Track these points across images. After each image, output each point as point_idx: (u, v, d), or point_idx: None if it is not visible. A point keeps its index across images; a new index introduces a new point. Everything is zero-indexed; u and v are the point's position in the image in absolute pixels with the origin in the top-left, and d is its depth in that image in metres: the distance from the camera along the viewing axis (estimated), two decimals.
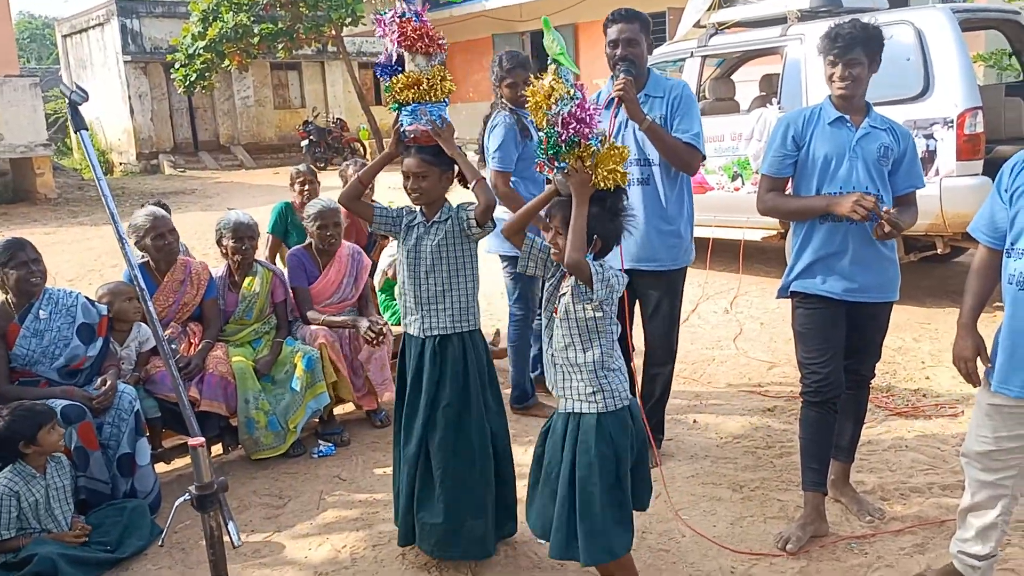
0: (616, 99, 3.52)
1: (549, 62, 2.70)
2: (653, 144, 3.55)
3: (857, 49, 3.03)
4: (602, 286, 2.58)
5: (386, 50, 3.09)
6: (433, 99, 3.02)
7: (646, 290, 3.74)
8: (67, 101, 2.53)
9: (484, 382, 3.13)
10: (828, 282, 3.13)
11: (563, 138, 2.58)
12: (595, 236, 2.60)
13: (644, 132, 3.53)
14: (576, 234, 2.54)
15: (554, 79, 2.63)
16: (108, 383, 3.52)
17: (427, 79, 3.00)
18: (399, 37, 2.98)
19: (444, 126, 3.02)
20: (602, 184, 2.59)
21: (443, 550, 3.05)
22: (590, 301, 2.60)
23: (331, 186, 6.01)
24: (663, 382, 3.86)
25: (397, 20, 2.99)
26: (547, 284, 2.80)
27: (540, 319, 2.94)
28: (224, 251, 4.34)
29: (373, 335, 4.21)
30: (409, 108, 3.01)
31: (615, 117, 3.61)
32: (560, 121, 2.58)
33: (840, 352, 3.19)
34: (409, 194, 3.08)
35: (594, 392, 2.62)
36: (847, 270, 3.11)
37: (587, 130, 2.59)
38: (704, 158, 3.65)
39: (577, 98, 2.60)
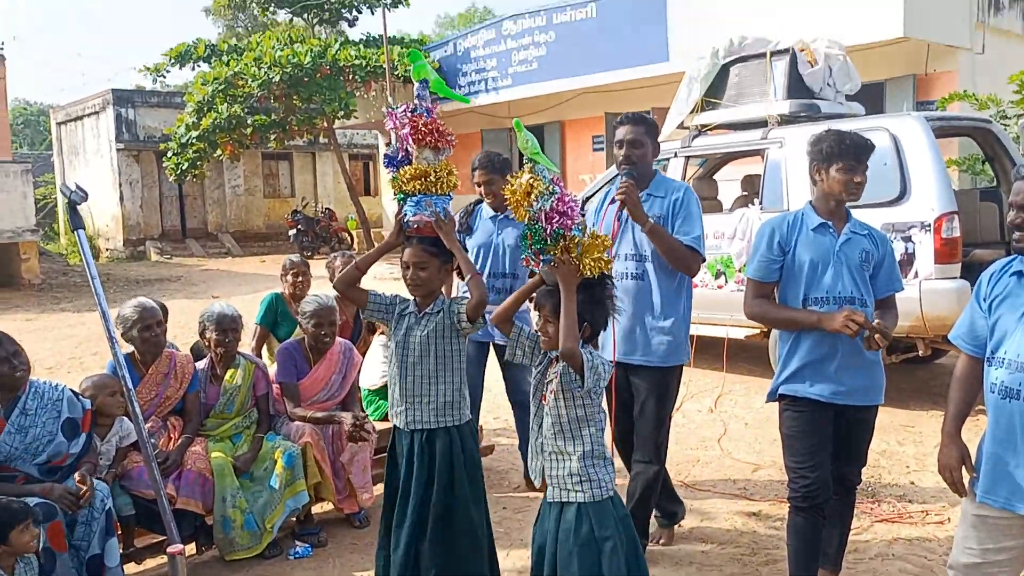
0: (619, 202, 3.60)
1: (526, 161, 2.80)
2: (655, 245, 3.60)
3: (865, 159, 3.14)
4: (591, 374, 2.63)
5: (394, 142, 3.18)
6: (439, 192, 3.09)
7: (636, 384, 3.74)
8: (67, 201, 2.56)
9: (472, 478, 3.11)
10: (817, 386, 3.14)
11: (548, 232, 2.67)
12: (584, 323, 2.66)
13: (646, 234, 3.59)
14: (569, 322, 2.62)
15: (532, 176, 2.71)
16: (87, 483, 3.42)
17: (434, 172, 3.08)
18: (411, 131, 3.06)
19: (447, 219, 3.08)
20: (588, 272, 2.68)
21: None
22: (580, 389, 2.63)
23: (318, 275, 6.01)
24: (645, 481, 3.75)
25: (409, 115, 3.08)
26: (535, 372, 2.82)
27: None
28: (207, 343, 4.31)
29: (357, 431, 4.15)
30: (414, 199, 3.07)
31: (617, 219, 3.70)
32: (543, 216, 2.67)
33: (828, 456, 3.18)
34: (407, 284, 3.12)
35: (581, 481, 2.64)
36: (835, 374, 3.13)
37: (570, 222, 2.70)
38: (704, 260, 3.70)
39: (556, 193, 2.70)
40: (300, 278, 5.36)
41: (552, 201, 2.68)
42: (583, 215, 2.83)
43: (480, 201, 4.83)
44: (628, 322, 3.66)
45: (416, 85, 3.18)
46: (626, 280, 3.68)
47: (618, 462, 3.73)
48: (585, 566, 2.58)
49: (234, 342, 4.30)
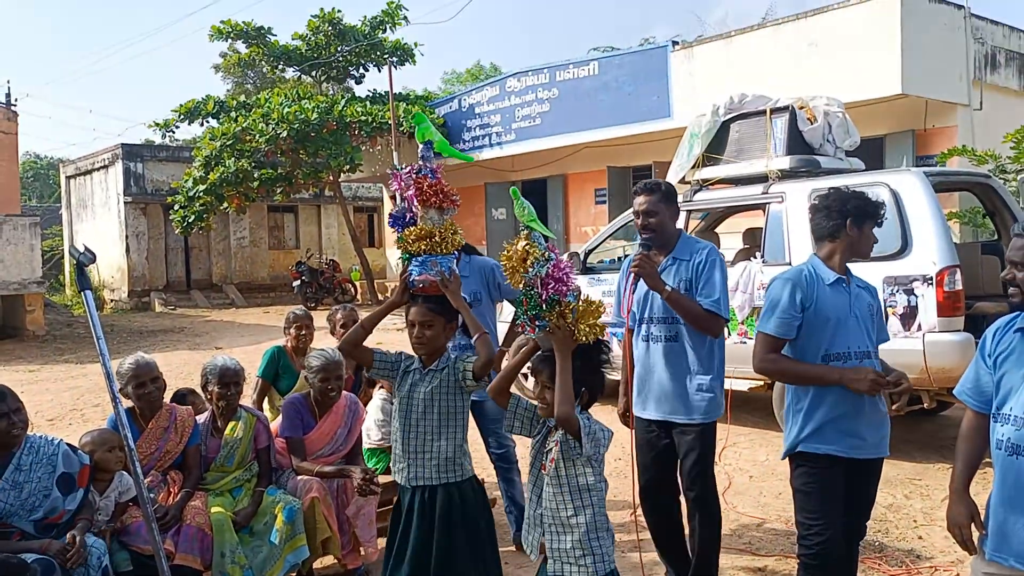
0: (634, 274, 3.66)
1: (522, 228, 2.83)
2: (675, 311, 3.66)
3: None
4: (589, 439, 2.61)
5: (399, 201, 3.22)
6: (443, 251, 3.12)
7: (679, 442, 3.76)
8: (75, 263, 2.59)
9: (473, 536, 3.07)
10: (838, 443, 3.15)
11: (543, 298, 2.68)
12: (583, 388, 2.64)
13: (665, 301, 3.65)
14: (564, 388, 2.60)
15: (528, 243, 2.73)
16: (78, 541, 3.37)
17: (439, 232, 3.11)
18: (416, 192, 3.10)
19: (452, 278, 3.10)
20: (583, 338, 2.68)
21: None
22: (579, 456, 2.60)
23: (321, 326, 6.02)
24: (703, 536, 3.78)
25: (414, 176, 3.13)
26: (533, 442, 2.80)
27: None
28: (209, 396, 4.31)
29: (366, 485, 4.11)
30: (419, 259, 3.11)
31: (632, 291, 3.75)
32: (539, 282, 2.68)
33: (840, 511, 3.17)
34: (413, 342, 3.13)
35: (583, 555, 2.59)
36: (858, 429, 3.15)
37: (565, 288, 2.71)
38: (727, 321, 3.72)
39: (552, 259, 2.72)
40: (304, 331, 5.36)
41: (548, 267, 2.71)
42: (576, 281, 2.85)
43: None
44: (666, 383, 3.71)
45: (421, 147, 3.24)
46: (660, 343, 3.74)
47: (619, 517, 3.71)
48: None
49: (236, 395, 4.30)
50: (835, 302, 3.19)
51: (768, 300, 3.29)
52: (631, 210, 3.92)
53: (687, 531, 3.88)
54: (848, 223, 3.22)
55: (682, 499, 3.90)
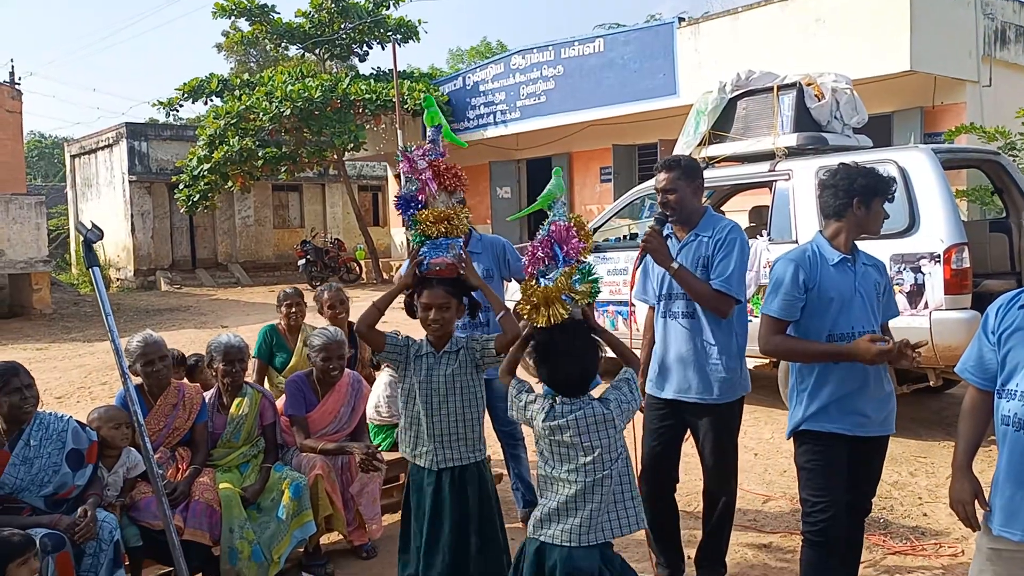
0: (641, 249, 3.66)
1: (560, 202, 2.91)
2: (683, 289, 3.62)
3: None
4: (511, 405, 2.81)
5: (404, 184, 3.20)
6: (456, 234, 3.13)
7: (694, 422, 3.74)
8: (82, 239, 2.59)
9: (498, 511, 3.18)
10: (843, 421, 3.15)
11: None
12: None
13: (673, 277, 3.61)
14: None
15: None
16: (88, 515, 3.40)
17: (454, 213, 3.12)
18: (433, 175, 3.10)
19: (466, 259, 3.13)
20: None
21: None
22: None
23: (312, 305, 6.01)
24: (720, 513, 3.81)
25: (428, 159, 3.11)
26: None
27: None
28: (214, 373, 4.33)
29: (368, 461, 4.14)
30: (433, 243, 3.10)
31: (638, 267, 3.75)
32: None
33: (844, 489, 3.17)
34: (430, 324, 3.13)
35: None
36: (863, 407, 3.14)
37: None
38: (739, 301, 3.63)
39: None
40: (295, 309, 5.37)
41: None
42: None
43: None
44: (682, 360, 3.67)
45: (430, 130, 3.21)
46: (678, 319, 3.69)
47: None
48: None
49: (240, 372, 4.32)
50: (839, 282, 3.17)
51: (772, 281, 3.28)
52: (636, 188, 3.89)
53: (686, 516, 3.87)
54: (855, 202, 3.18)
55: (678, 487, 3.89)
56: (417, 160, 3.14)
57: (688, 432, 3.81)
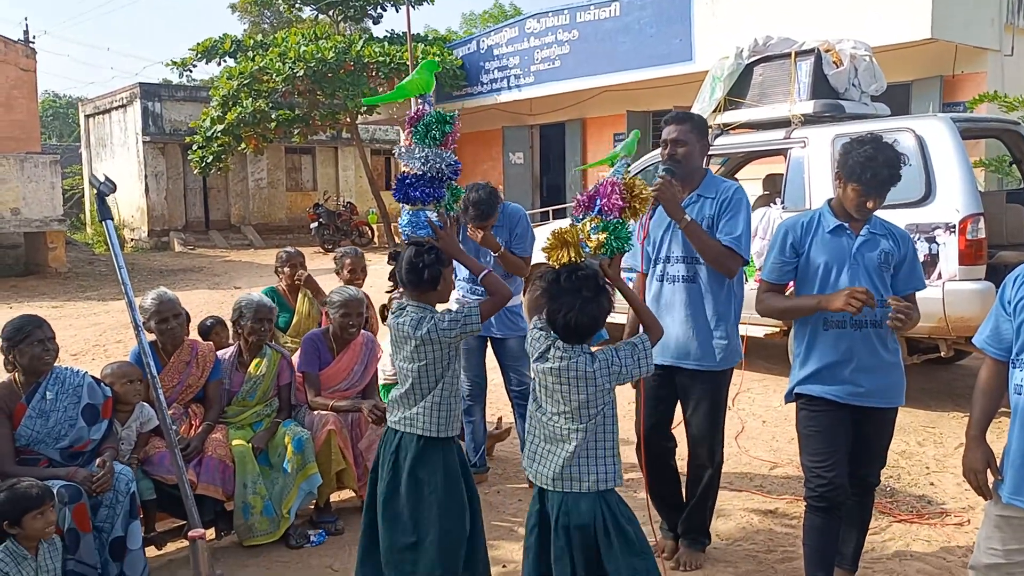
0: (653, 199, 3.53)
1: (615, 162, 2.95)
2: (691, 243, 3.54)
3: (885, 192, 3.07)
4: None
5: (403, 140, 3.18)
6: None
7: (686, 388, 3.70)
8: (95, 192, 2.60)
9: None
10: (833, 387, 3.13)
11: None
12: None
13: (683, 231, 3.53)
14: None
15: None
16: (106, 466, 3.48)
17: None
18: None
19: (445, 230, 3.12)
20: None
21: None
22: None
23: (321, 268, 6.02)
24: (704, 483, 3.76)
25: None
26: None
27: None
28: (240, 330, 4.36)
29: (378, 414, 4.18)
30: (408, 215, 3.10)
31: (650, 218, 3.64)
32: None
33: (845, 456, 3.17)
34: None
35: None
36: (852, 376, 3.11)
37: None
38: (747, 262, 3.58)
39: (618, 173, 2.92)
40: (297, 270, 5.33)
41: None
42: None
43: (465, 211, 4.78)
44: (680, 326, 3.60)
45: (422, 98, 3.17)
46: (677, 283, 3.63)
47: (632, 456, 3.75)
48: (580, 562, 2.57)
49: (267, 332, 4.38)
50: (831, 249, 3.12)
51: (769, 246, 3.30)
52: (649, 155, 3.83)
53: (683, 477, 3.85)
54: (838, 172, 3.12)
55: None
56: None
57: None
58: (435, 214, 3.12)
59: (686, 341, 3.62)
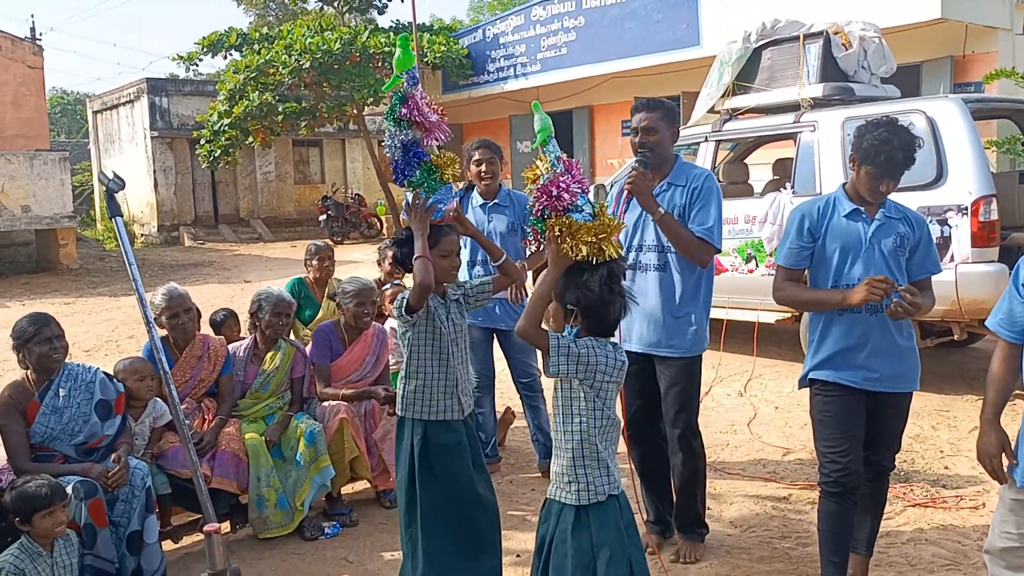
0: (626, 191, 3.55)
1: (539, 143, 2.74)
2: (665, 235, 3.55)
3: (899, 175, 3.05)
4: (561, 359, 2.46)
5: (398, 134, 3.13)
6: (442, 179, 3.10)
7: (661, 375, 3.71)
8: (104, 189, 2.60)
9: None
10: (847, 372, 3.11)
11: (536, 211, 2.61)
12: (572, 308, 2.52)
13: (656, 223, 3.54)
14: (532, 302, 2.54)
15: (540, 158, 2.67)
16: (121, 461, 3.49)
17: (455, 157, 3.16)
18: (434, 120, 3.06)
19: (457, 211, 3.16)
20: (571, 253, 2.50)
21: None
22: (556, 374, 2.49)
23: (347, 260, 6.05)
24: (685, 474, 3.74)
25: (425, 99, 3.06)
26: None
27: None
28: (257, 322, 4.37)
29: (391, 400, 4.18)
30: (443, 189, 3.07)
31: (624, 211, 3.63)
32: (534, 196, 2.62)
33: (859, 441, 3.15)
34: (450, 271, 3.12)
35: (569, 481, 2.52)
36: (866, 361, 3.09)
37: (558, 204, 2.56)
38: (718, 251, 3.60)
39: (558, 169, 2.62)
40: (326, 263, 5.40)
41: (546, 180, 2.60)
42: (587, 196, 2.66)
43: (470, 189, 4.81)
44: (651, 313, 3.62)
45: (407, 75, 3.07)
46: (648, 271, 3.64)
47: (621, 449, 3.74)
48: (581, 570, 2.45)
49: (284, 326, 4.39)
50: (847, 233, 3.10)
51: (784, 231, 3.27)
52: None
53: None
54: (852, 155, 3.10)
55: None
56: (423, 105, 3.09)
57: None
58: (411, 194, 3.07)
59: (657, 329, 3.63)
